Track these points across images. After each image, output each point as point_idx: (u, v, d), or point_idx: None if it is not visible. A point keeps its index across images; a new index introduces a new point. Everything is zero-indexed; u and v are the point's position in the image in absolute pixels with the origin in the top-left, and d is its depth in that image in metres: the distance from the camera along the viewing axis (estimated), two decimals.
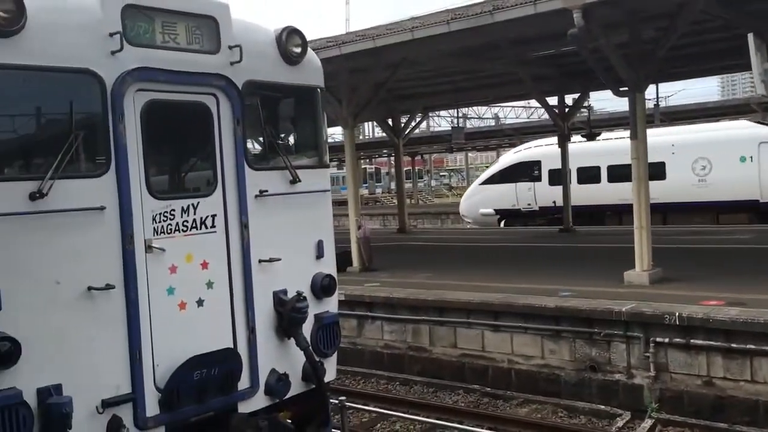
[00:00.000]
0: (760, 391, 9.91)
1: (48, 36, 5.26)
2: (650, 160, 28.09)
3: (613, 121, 38.05)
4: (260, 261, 6.57)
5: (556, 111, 23.37)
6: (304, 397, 6.98)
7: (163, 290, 5.89)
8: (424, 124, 43.41)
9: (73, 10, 5.48)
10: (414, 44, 14.93)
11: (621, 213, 26.86)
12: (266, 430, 6.28)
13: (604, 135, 29.98)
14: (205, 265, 6.21)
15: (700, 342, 10.37)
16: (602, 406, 10.91)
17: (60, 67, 5.31)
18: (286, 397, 6.75)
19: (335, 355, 7.39)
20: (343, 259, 15.54)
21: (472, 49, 17.49)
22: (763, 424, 9.77)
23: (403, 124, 26.90)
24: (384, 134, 33.32)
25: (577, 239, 21.97)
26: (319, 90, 7.28)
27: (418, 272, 16.36)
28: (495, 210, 32.19)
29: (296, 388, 6.84)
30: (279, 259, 6.69)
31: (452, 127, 40.26)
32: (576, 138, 30.66)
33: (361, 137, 55.06)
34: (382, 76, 17.66)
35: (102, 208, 5.49)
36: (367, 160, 68.14)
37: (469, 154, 74.68)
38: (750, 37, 11.42)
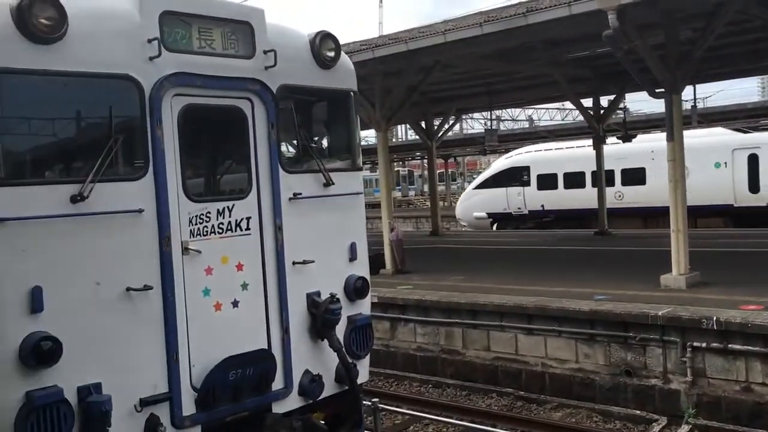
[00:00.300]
0: None
1: (88, 43, 5.38)
2: (631, 165, 27.76)
3: (649, 123, 37.54)
4: (294, 263, 6.64)
5: (591, 113, 23.15)
6: (337, 399, 7.03)
7: (199, 291, 5.99)
8: (457, 127, 43.30)
9: (113, 17, 5.60)
10: (447, 47, 14.93)
11: (606, 217, 28.31)
12: (300, 430, 6.34)
13: (587, 141, 30.92)
14: (240, 267, 6.29)
15: (738, 347, 10.21)
16: (638, 411, 10.78)
17: (100, 73, 5.43)
18: (320, 398, 6.80)
19: (368, 356, 7.42)
20: (375, 262, 15.62)
21: (505, 51, 17.43)
22: None
23: (436, 127, 26.90)
24: (417, 137, 33.38)
25: (613, 242, 21.73)
26: (352, 93, 7.33)
27: (450, 275, 16.34)
28: (488, 213, 33.09)
29: (329, 389, 6.89)
30: (312, 261, 6.75)
31: (485, 129, 40.07)
32: (575, 143, 32.38)
33: (393, 140, 55.13)
34: (415, 79, 17.69)
35: (140, 211, 5.60)
36: (400, 163, 68.18)
37: None
38: None
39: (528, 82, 23.02)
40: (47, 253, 5.13)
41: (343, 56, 7.20)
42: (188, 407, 5.85)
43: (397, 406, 11.32)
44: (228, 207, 6.26)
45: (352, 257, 7.23)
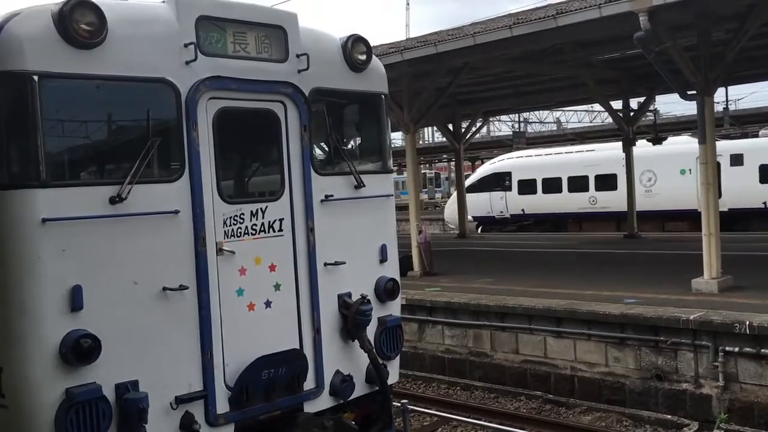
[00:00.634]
0: None
1: (127, 47, 5.50)
2: (604, 172, 29.10)
3: (680, 125, 37.16)
4: (325, 264, 6.70)
5: (621, 115, 22.96)
6: (368, 399, 7.08)
7: (233, 291, 6.08)
8: (483, 129, 43.18)
9: (150, 22, 5.72)
10: (476, 49, 14.92)
11: (581, 221, 30.89)
12: (332, 429, 6.40)
13: (565, 149, 33.97)
14: (272, 268, 6.37)
15: None
16: (669, 416, 10.69)
17: (138, 77, 5.55)
18: (350, 398, 6.85)
19: (398, 358, 7.47)
20: (403, 264, 15.62)
21: (534, 53, 17.39)
22: None
23: (463, 129, 26.86)
24: (444, 139, 33.44)
25: (642, 245, 21.52)
26: (383, 96, 7.39)
27: (478, 277, 16.32)
28: (473, 217, 33.80)
29: (360, 389, 6.94)
30: (344, 263, 6.81)
31: (513, 131, 40.05)
32: (553, 150, 34.87)
33: (420, 142, 55.08)
34: (443, 82, 17.72)
35: (176, 212, 5.70)
36: (427, 165, 68.09)
37: None
38: None
39: (556, 84, 22.92)
40: (87, 253, 5.25)
41: (375, 59, 7.26)
42: (222, 406, 5.94)
43: (424, 408, 11.34)
44: (261, 208, 6.34)
45: (383, 259, 7.28)
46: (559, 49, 17.20)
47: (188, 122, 5.79)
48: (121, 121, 5.79)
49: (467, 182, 38.14)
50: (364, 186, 7.04)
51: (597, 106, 44.82)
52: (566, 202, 31.03)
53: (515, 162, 34.42)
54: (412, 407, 9.04)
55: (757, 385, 10.24)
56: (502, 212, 33.81)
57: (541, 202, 32.15)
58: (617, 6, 12.01)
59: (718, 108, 30.99)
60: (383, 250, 7.29)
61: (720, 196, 27.07)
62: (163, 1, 5.89)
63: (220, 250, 6.00)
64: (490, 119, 44.73)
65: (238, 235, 6.16)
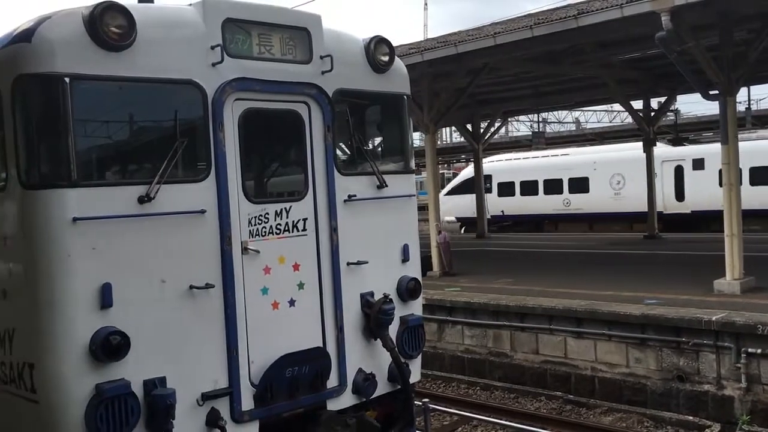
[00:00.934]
0: None
1: (155, 50, 5.59)
2: (577, 175, 30.75)
3: (701, 125, 36.85)
4: (348, 264, 6.76)
5: (641, 115, 22.84)
6: (390, 398, 7.13)
7: (257, 290, 6.16)
8: (502, 130, 43.08)
9: (178, 24, 5.81)
10: (496, 50, 14.94)
11: (557, 222, 32.47)
12: (354, 427, 6.45)
13: (541, 153, 34.87)
14: (296, 267, 6.44)
15: None
16: (690, 417, 10.64)
17: (165, 78, 5.64)
18: (372, 396, 6.90)
19: (420, 357, 7.51)
20: (423, 264, 15.65)
21: (554, 53, 17.36)
22: None
23: (482, 130, 26.83)
24: (462, 139, 33.47)
25: (663, 246, 21.41)
26: (405, 97, 7.44)
27: (498, 277, 16.32)
28: (457, 218, 34.83)
29: (382, 388, 7.00)
30: (366, 262, 6.87)
31: (532, 132, 40.01)
32: (530, 154, 35.52)
33: (439, 142, 55.00)
34: (463, 82, 17.72)
35: (203, 212, 5.79)
36: (445, 165, 67.95)
37: None
38: None
39: (576, 84, 22.84)
40: (116, 252, 5.35)
41: (397, 60, 7.32)
42: (247, 402, 6.01)
43: (445, 407, 11.37)
44: (285, 208, 6.41)
45: (405, 258, 7.33)
46: (580, 49, 17.15)
47: (215, 123, 5.88)
48: (149, 122, 5.90)
49: (451, 185, 39.50)
50: (386, 186, 7.09)
51: (617, 106, 44.61)
52: (542, 204, 32.54)
53: (496, 165, 35.81)
54: (433, 406, 9.08)
55: None
56: None
57: (519, 204, 33.61)
58: (639, 6, 11.97)
59: (740, 108, 30.76)
60: (405, 250, 7.34)
61: (684, 199, 28.17)
62: (190, 4, 5.99)
63: (245, 250, 6.08)
64: (509, 119, 44.62)
65: (263, 234, 6.24)
